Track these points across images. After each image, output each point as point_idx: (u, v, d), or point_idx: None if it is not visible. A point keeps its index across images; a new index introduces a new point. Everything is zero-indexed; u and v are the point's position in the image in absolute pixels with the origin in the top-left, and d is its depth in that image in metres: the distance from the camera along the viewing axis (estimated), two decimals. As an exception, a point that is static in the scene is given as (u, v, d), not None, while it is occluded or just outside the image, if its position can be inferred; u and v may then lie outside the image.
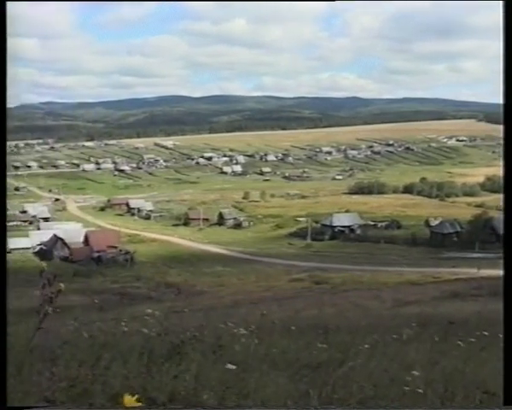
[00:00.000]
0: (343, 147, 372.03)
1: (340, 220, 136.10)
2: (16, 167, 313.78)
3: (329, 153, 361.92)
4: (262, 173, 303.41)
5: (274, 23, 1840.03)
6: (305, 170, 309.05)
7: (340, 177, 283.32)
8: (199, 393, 5.02)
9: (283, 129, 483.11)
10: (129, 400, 3.86)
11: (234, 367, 5.64)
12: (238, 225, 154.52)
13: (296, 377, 6.13)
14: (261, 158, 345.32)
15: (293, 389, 5.70)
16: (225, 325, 8.86)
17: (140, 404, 3.86)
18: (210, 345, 6.97)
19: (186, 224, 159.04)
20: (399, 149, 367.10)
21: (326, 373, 6.26)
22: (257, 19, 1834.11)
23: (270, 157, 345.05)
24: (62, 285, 5.14)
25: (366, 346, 8.37)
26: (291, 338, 9.46)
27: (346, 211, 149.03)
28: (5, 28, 4.29)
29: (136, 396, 3.91)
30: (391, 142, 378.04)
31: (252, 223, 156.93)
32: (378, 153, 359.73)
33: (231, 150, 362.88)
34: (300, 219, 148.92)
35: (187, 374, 5.36)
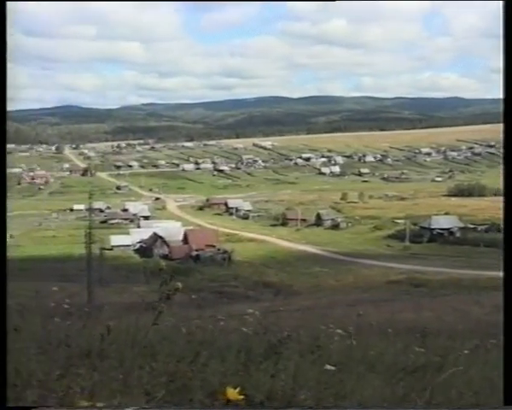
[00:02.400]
0: (443, 148, 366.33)
1: (439, 223, 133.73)
2: (118, 167, 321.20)
3: (429, 154, 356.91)
4: (360, 174, 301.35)
5: (373, 23, 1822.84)
6: (404, 171, 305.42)
7: (439, 178, 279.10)
8: (296, 393, 5.03)
9: (382, 130, 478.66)
10: (232, 393, 3.89)
11: (332, 368, 5.63)
12: (336, 226, 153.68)
13: (393, 381, 6.08)
14: (359, 159, 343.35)
15: (389, 392, 5.65)
16: (322, 326, 8.85)
17: (242, 397, 3.87)
18: (307, 345, 6.98)
19: (284, 224, 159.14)
20: (501, 151, 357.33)
21: (423, 378, 6.19)
22: (356, 19, 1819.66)
23: (369, 158, 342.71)
24: (180, 284, 5.22)
25: (465, 351, 8.23)
26: (388, 341, 9.38)
27: (446, 213, 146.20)
28: (5, 28, 4.33)
29: (238, 389, 3.93)
30: (492, 143, 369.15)
31: (349, 224, 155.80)
32: (479, 154, 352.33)
33: (329, 151, 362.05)
34: (399, 220, 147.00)
35: (284, 373, 5.37)
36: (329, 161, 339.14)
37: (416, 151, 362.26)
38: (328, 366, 5.64)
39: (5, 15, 4.37)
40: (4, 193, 4.27)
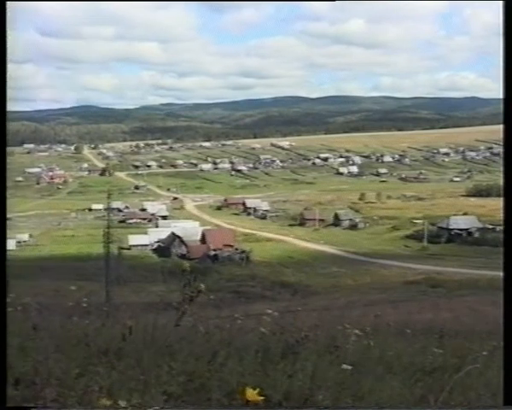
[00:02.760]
0: (461, 148, 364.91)
1: (458, 223, 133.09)
2: (136, 166, 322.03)
3: (447, 154, 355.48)
4: (378, 174, 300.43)
5: (391, 23, 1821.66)
6: (422, 171, 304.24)
7: (457, 179, 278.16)
8: (314, 393, 5.02)
9: (400, 130, 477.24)
10: (251, 393, 3.85)
11: (349, 368, 5.62)
12: (354, 226, 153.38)
13: (411, 382, 6.06)
14: (377, 159, 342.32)
15: (407, 393, 5.64)
16: (340, 326, 8.83)
17: (262, 398, 3.81)
18: (325, 345, 6.97)
19: (302, 224, 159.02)
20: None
21: (442, 379, 6.17)
22: (374, 19, 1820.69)
23: (387, 158, 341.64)
24: (203, 286, 5.23)
25: (484, 353, 8.19)
26: (406, 341, 9.35)
27: (464, 214, 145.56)
28: (5, 28, 4.30)
29: (258, 390, 3.87)
30: None
31: (367, 224, 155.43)
32: (497, 154, 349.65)
33: (347, 151, 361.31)
34: (417, 221, 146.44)
35: (302, 373, 5.37)
36: (347, 161, 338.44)
37: (435, 151, 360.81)
38: (346, 366, 5.64)
39: (5, 15, 4.36)
40: (4, 193, 4.27)
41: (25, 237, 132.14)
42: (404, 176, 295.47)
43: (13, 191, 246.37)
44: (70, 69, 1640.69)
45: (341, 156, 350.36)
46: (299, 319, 10.07)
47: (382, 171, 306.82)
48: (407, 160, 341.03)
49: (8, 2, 4.33)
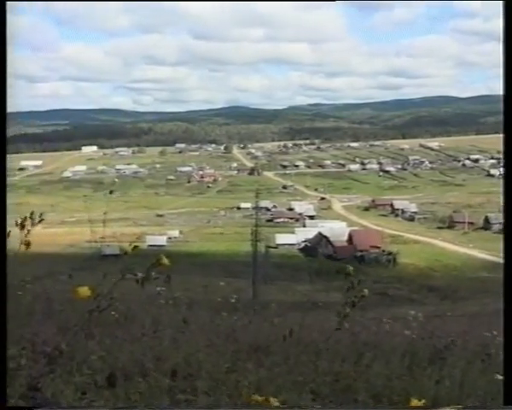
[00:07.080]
0: None
1: None
2: (284, 166, 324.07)
3: None
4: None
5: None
6: None
7: None
8: (462, 400, 4.92)
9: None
10: (416, 403, 3.77)
11: (501, 378, 5.46)
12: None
13: None
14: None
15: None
16: (490, 334, 8.59)
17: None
18: (474, 352, 6.81)
19: (450, 227, 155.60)
20: None
21: None
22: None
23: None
24: (366, 291, 5.23)
25: None
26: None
27: None
28: (5, 28, 4.28)
29: (423, 401, 3.77)
30: None
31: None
32: None
33: (499, 152, 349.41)
34: None
35: (450, 380, 5.27)
36: (499, 162, 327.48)
37: None
38: (498, 376, 5.48)
39: (5, 15, 4.40)
40: (4, 193, 4.36)
41: (175, 233, 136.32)
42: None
43: (165, 189, 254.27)
44: (220, 71, 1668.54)
45: (492, 158, 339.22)
46: (448, 325, 9.87)
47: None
48: None
49: (8, 3, 4.37)
